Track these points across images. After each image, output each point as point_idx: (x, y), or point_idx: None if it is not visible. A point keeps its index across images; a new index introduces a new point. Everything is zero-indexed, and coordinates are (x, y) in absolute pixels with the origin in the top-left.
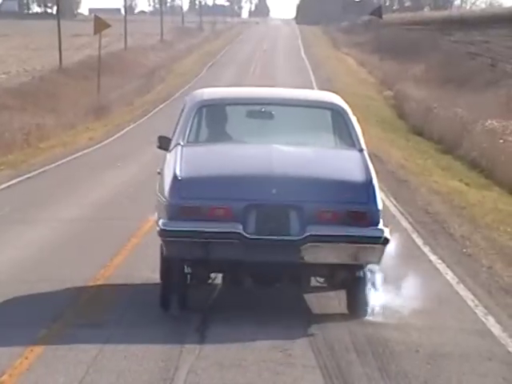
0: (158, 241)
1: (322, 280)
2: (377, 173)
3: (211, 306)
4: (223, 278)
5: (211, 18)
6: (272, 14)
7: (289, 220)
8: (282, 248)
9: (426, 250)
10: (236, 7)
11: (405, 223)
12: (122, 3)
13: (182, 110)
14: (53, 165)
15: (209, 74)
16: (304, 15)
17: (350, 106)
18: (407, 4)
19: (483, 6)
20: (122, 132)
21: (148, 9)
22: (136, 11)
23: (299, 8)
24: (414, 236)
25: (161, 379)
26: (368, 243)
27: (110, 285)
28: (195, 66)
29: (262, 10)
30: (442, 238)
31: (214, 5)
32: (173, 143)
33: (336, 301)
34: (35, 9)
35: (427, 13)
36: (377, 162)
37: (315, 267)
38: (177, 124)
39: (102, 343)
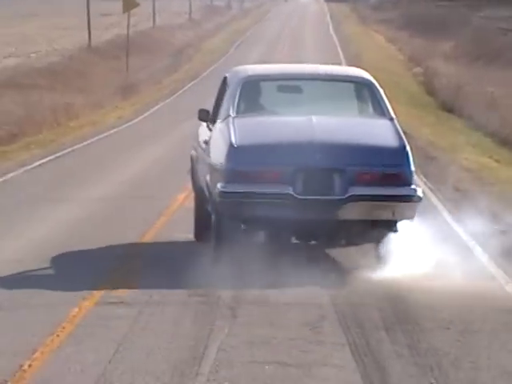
0: (187, 218)
1: (357, 238)
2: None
3: (242, 285)
4: (269, 234)
5: None
6: None
7: (333, 182)
8: (327, 206)
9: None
10: None
11: (435, 201)
12: None
13: (224, 86)
14: (82, 144)
15: (237, 52)
16: None
17: (379, 82)
18: None
19: None
20: (151, 111)
21: None
22: None
23: None
24: (445, 214)
25: (191, 357)
26: (403, 201)
27: (140, 263)
28: (223, 44)
29: None
30: (472, 216)
31: None
32: (221, 115)
33: (365, 277)
34: None
35: None
36: (406, 137)
37: (354, 224)
38: (218, 98)
39: (132, 321)
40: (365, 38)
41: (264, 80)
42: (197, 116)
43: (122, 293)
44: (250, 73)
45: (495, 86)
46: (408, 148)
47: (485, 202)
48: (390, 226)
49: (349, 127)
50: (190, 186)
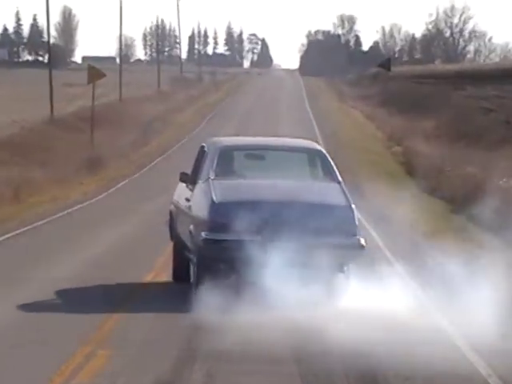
0: (155, 303)
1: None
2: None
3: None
4: (242, 273)
5: (211, 68)
6: (275, 65)
7: (292, 232)
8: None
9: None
10: (237, 57)
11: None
12: (118, 52)
13: (202, 153)
14: (43, 221)
15: (208, 126)
16: (308, 66)
17: (357, 162)
18: (417, 56)
19: (497, 59)
20: (118, 186)
21: (144, 58)
22: (132, 60)
23: (303, 59)
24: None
25: None
26: (349, 249)
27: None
28: (194, 117)
29: (264, 60)
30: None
31: (214, 54)
32: (202, 177)
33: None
34: (26, 57)
35: (438, 66)
36: (384, 224)
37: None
38: (196, 163)
39: None
40: (342, 115)
41: (237, 150)
42: (178, 178)
43: None
44: (225, 143)
45: (478, 168)
46: (353, 206)
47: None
48: (340, 268)
49: (304, 189)
50: (158, 265)
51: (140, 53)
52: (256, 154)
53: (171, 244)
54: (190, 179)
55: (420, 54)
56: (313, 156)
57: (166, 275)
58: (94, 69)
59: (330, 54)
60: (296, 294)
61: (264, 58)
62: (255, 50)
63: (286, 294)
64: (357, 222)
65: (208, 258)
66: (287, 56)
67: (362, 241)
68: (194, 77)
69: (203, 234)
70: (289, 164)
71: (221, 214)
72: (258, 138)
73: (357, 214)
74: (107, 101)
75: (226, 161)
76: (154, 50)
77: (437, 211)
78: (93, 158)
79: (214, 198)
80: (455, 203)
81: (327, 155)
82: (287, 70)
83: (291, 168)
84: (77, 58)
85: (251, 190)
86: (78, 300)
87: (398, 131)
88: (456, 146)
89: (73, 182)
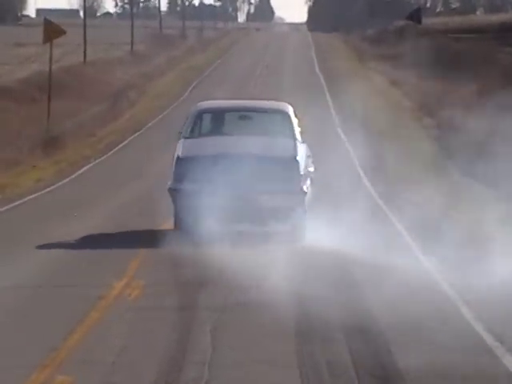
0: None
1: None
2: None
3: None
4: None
5: (197, 23)
6: (277, 18)
7: (244, 180)
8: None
9: None
10: (230, 9)
11: None
12: (81, 3)
13: (187, 117)
14: None
15: (193, 96)
16: (318, 20)
17: (379, 137)
18: (454, 5)
19: None
20: (80, 172)
21: (115, 10)
22: (99, 13)
23: (312, 11)
24: None
25: None
26: (292, 193)
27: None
28: (175, 85)
29: (264, 13)
30: None
31: (201, 5)
32: (181, 136)
33: None
34: None
35: (480, 17)
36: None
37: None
38: (184, 125)
39: None
40: (361, 80)
41: (210, 112)
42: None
43: None
44: (201, 107)
45: None
46: (300, 157)
47: None
48: (286, 211)
49: (259, 144)
50: (131, 272)
51: (109, 4)
52: (228, 115)
53: (147, 246)
54: (178, 138)
55: (458, 2)
56: (278, 117)
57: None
58: (52, 24)
59: (345, 3)
60: (246, 234)
61: (263, 9)
62: (252, 0)
63: (237, 234)
64: (301, 172)
65: (176, 204)
66: (292, 7)
67: (305, 188)
68: (177, 34)
69: (168, 183)
70: (256, 123)
71: (182, 167)
72: (233, 101)
73: (303, 164)
74: (68, 64)
75: (200, 122)
76: (126, 0)
77: (476, 199)
78: (50, 136)
79: (179, 153)
80: (502, 189)
81: (291, 116)
82: (292, 25)
83: (257, 127)
84: (30, 11)
85: (211, 145)
86: (35, 313)
87: (431, 99)
88: (504, 116)
89: (24, 165)
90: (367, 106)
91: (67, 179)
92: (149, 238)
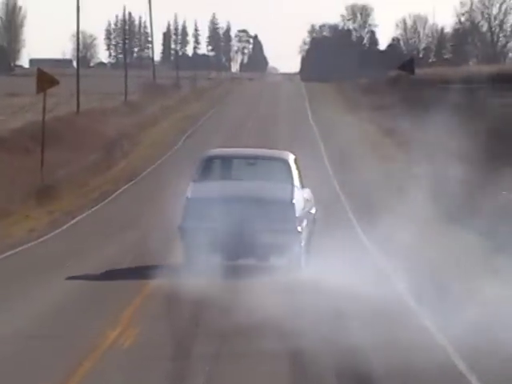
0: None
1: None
2: None
3: None
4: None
5: (191, 73)
6: (270, 68)
7: (248, 222)
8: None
9: None
10: (224, 59)
11: None
12: (74, 53)
13: (197, 163)
14: None
15: (188, 145)
16: (311, 69)
17: (372, 190)
18: (447, 56)
19: None
20: (73, 222)
21: (108, 60)
22: (93, 63)
23: (305, 61)
24: None
25: None
26: (287, 233)
27: None
28: (169, 134)
29: (257, 63)
30: None
31: (195, 55)
32: (191, 180)
33: None
34: None
35: (473, 67)
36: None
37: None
38: (194, 169)
39: None
40: (354, 130)
41: (218, 159)
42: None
43: None
44: (209, 154)
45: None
46: (296, 200)
47: None
48: (281, 248)
49: (260, 188)
50: (125, 320)
51: (103, 54)
52: (233, 162)
53: (139, 294)
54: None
55: (450, 53)
56: (278, 164)
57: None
58: (45, 74)
59: (338, 54)
60: (246, 267)
61: (257, 59)
62: (246, 50)
63: (238, 266)
64: (297, 214)
65: (184, 240)
66: (285, 57)
67: (299, 228)
68: (170, 83)
69: (179, 222)
70: (259, 170)
71: (191, 207)
72: (238, 149)
73: (299, 207)
74: (62, 114)
75: (208, 167)
76: (119, 50)
77: (466, 248)
78: (43, 186)
79: (189, 195)
80: (492, 239)
81: (291, 164)
82: (286, 75)
83: (259, 173)
84: (23, 61)
85: (218, 189)
86: (20, 366)
87: (422, 149)
88: (495, 167)
89: (17, 215)
90: (360, 156)
91: (60, 229)
92: (141, 288)
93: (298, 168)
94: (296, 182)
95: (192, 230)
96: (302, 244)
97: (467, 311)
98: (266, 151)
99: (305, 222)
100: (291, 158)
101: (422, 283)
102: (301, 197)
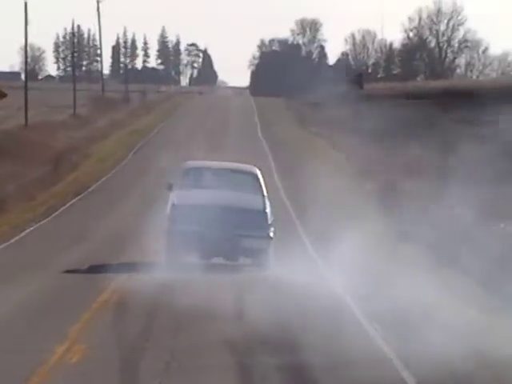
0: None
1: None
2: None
3: None
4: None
5: (140, 86)
6: (220, 82)
7: (226, 225)
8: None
9: None
10: (173, 72)
11: None
12: (22, 65)
13: (178, 173)
14: None
15: (137, 159)
16: (260, 84)
17: (323, 205)
18: (396, 71)
19: (494, 75)
20: (20, 236)
21: (57, 73)
22: (41, 76)
23: (254, 75)
24: None
25: None
26: (261, 238)
27: None
28: (118, 148)
29: (207, 77)
30: None
31: (144, 69)
32: (174, 188)
33: None
34: None
35: (421, 83)
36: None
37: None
38: (177, 179)
39: None
40: (303, 144)
41: (199, 169)
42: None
43: None
44: (189, 166)
45: (470, 208)
46: (267, 210)
47: None
48: (255, 251)
49: (235, 198)
50: (72, 334)
51: (51, 67)
52: (211, 173)
53: (89, 309)
54: (171, 187)
55: (399, 68)
56: (248, 176)
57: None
58: None
59: (287, 68)
60: (224, 266)
61: (206, 73)
62: (195, 64)
63: (217, 265)
64: (269, 222)
65: (168, 241)
66: (235, 71)
67: (271, 234)
68: (119, 97)
69: (166, 224)
70: (232, 181)
71: (176, 212)
72: (213, 162)
73: (270, 216)
74: (9, 127)
75: (190, 176)
76: (68, 63)
77: (410, 261)
78: None
79: (175, 201)
80: (436, 251)
81: (259, 176)
82: (235, 89)
83: (232, 184)
84: None
85: (199, 196)
86: None
87: (373, 164)
88: (445, 181)
89: None
90: (310, 170)
91: (5, 244)
92: (90, 301)
93: (263, 181)
94: (264, 193)
95: (176, 233)
96: (271, 248)
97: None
98: (236, 165)
99: (273, 228)
100: (258, 172)
101: None
102: (269, 206)
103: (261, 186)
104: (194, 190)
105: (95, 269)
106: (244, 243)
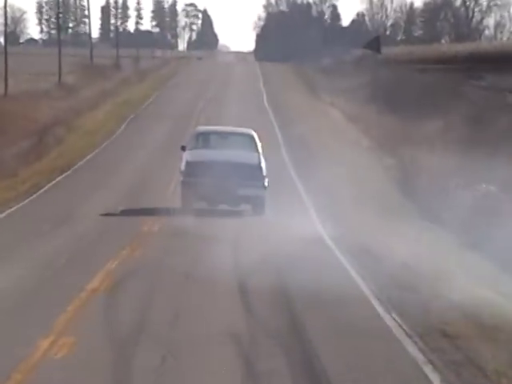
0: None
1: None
2: (373, 273)
3: None
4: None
5: (133, 51)
6: (221, 46)
7: (229, 177)
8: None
9: None
10: (169, 36)
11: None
12: (1, 28)
13: (189, 136)
14: None
15: (128, 132)
16: (266, 48)
17: (336, 185)
18: (417, 33)
19: None
20: (1, 216)
21: (40, 37)
22: (22, 39)
23: (260, 38)
24: None
25: None
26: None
27: None
28: (108, 121)
29: (206, 40)
30: None
31: (137, 32)
32: (186, 148)
33: None
34: None
35: (446, 46)
36: (373, 262)
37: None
38: (189, 142)
39: None
40: (315, 116)
41: (205, 133)
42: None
43: None
44: (199, 130)
45: (498, 186)
46: (262, 165)
47: None
48: (253, 198)
49: (236, 155)
50: (56, 328)
51: (34, 30)
52: (216, 136)
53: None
54: (184, 149)
55: (421, 30)
56: (247, 138)
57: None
58: None
59: (296, 31)
60: (229, 210)
61: (206, 36)
62: (194, 27)
63: (224, 209)
64: (264, 174)
65: (183, 191)
66: (238, 34)
67: (266, 184)
68: (110, 63)
69: (181, 178)
70: (233, 142)
71: (190, 167)
72: (218, 127)
73: (264, 169)
74: None
75: (200, 139)
76: (53, 25)
77: (441, 244)
78: None
79: (188, 159)
80: (467, 235)
81: (255, 138)
82: (238, 54)
83: (234, 144)
84: None
85: (207, 155)
86: None
87: (392, 137)
88: (470, 156)
89: None
90: (322, 144)
91: None
92: (77, 291)
93: (259, 141)
94: (260, 151)
95: (190, 183)
96: (266, 195)
97: None
98: (237, 128)
99: (267, 180)
100: (255, 134)
101: None
102: (264, 162)
103: (256, 145)
104: (202, 149)
105: (78, 257)
106: (244, 191)
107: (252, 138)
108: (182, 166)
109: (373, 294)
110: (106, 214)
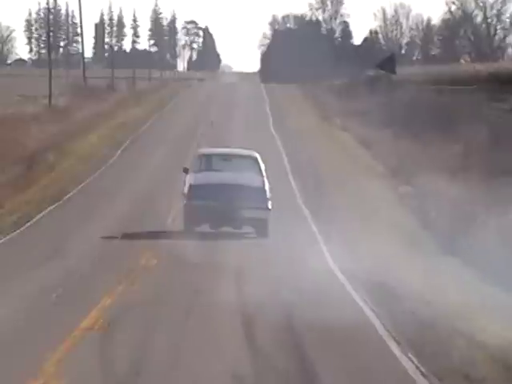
0: None
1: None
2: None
3: None
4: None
5: (128, 72)
6: (224, 66)
7: (233, 201)
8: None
9: None
10: (168, 55)
11: None
12: None
13: (193, 158)
14: None
15: (125, 160)
16: (272, 68)
17: (348, 215)
18: (434, 52)
19: None
20: None
21: (29, 57)
22: (10, 60)
23: (266, 57)
24: None
25: None
26: (261, 209)
27: None
28: (103, 146)
29: (208, 60)
30: None
31: (133, 50)
32: (190, 171)
33: None
34: None
35: (466, 65)
36: (390, 297)
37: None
38: (190, 163)
39: None
40: (325, 140)
41: (209, 155)
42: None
43: None
44: (202, 152)
45: None
46: (266, 187)
47: None
48: (256, 220)
49: (241, 178)
50: (47, 370)
51: (22, 49)
52: (219, 158)
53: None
54: (187, 171)
55: (438, 48)
56: (250, 160)
57: None
58: None
59: (305, 49)
60: (233, 231)
61: (208, 56)
62: (194, 46)
63: (227, 231)
64: (268, 196)
65: (186, 213)
66: (242, 54)
67: (269, 206)
68: (104, 85)
69: (184, 200)
70: (237, 164)
71: (193, 190)
72: (222, 149)
73: (268, 192)
74: None
75: (203, 162)
76: (43, 44)
77: (464, 281)
78: None
79: (192, 182)
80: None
81: (259, 160)
82: (242, 74)
83: (238, 166)
84: None
85: (210, 177)
86: None
87: (408, 163)
88: (493, 183)
89: None
90: (333, 169)
91: None
92: (68, 330)
93: (262, 163)
94: (263, 173)
95: (193, 207)
96: (269, 217)
97: None
98: (240, 150)
99: (270, 202)
100: (258, 156)
101: None
102: (267, 184)
103: (260, 167)
104: (205, 172)
105: (69, 294)
106: (247, 214)
107: (255, 159)
108: (185, 189)
109: (388, 333)
110: (101, 246)
